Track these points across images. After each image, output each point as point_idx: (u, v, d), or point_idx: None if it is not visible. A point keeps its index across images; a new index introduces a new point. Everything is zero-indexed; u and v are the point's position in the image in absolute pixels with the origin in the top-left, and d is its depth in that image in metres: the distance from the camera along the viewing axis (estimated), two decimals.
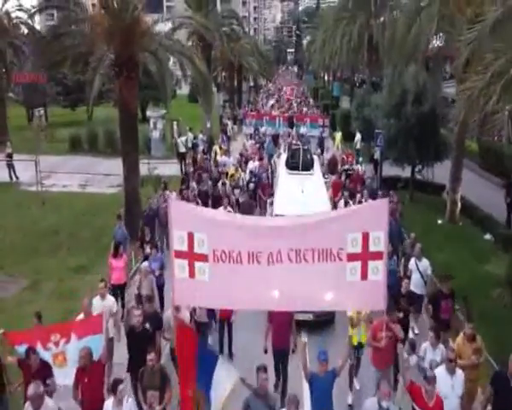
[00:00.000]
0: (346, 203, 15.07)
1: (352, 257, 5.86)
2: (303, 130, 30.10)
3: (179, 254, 6.06)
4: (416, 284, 10.87)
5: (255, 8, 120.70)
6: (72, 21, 14.05)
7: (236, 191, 16.91)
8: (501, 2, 8.63)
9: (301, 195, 11.83)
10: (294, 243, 5.75)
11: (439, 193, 21.60)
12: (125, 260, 11.72)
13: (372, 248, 5.84)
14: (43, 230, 17.35)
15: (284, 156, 15.77)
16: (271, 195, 15.21)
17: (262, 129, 30.36)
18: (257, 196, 18.08)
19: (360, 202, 15.07)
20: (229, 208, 14.39)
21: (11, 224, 17.97)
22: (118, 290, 11.43)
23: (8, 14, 32.53)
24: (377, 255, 5.87)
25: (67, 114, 45.17)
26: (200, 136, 26.69)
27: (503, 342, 10.36)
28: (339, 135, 28.22)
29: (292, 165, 14.07)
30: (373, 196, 15.72)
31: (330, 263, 5.81)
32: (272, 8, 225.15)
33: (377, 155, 22.94)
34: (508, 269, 12.46)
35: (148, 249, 12.08)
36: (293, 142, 24.19)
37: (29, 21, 32.03)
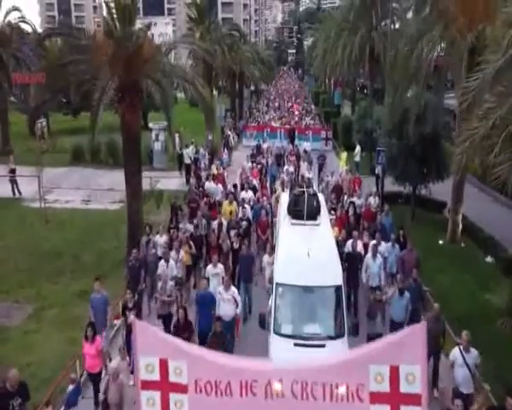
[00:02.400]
0: (354, 244, 13.40)
1: (376, 398, 4.46)
2: (305, 145, 28.73)
3: (148, 385, 4.82)
4: (461, 383, 8.93)
5: (256, 10, 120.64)
6: (76, 49, 14.09)
7: (233, 233, 14.63)
8: (503, 49, 8.71)
9: (307, 258, 9.96)
10: (300, 373, 4.58)
11: (441, 210, 21.67)
12: (99, 344, 9.72)
13: (404, 389, 4.41)
14: (46, 251, 17.43)
15: (286, 196, 13.74)
16: (269, 248, 13.30)
17: (264, 145, 28.64)
18: (251, 235, 15.91)
19: (377, 246, 13.08)
20: (220, 266, 12.32)
21: (15, 244, 18.09)
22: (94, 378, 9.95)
23: (10, 25, 32.62)
24: (412, 399, 4.41)
25: (69, 121, 45.33)
26: (201, 150, 26.67)
27: (507, 375, 10.46)
28: (344, 155, 26.80)
29: (295, 213, 11.95)
30: (385, 237, 14.29)
31: (347, 404, 4.46)
32: (273, 9, 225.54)
33: (378, 170, 23.14)
34: (509, 299, 12.53)
35: (131, 317, 10.30)
36: (302, 172, 22.26)
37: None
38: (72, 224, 20.23)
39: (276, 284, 10.00)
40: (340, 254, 11.97)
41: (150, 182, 23.49)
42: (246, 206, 16.58)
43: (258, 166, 22.54)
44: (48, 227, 19.71)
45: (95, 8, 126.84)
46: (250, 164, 22.99)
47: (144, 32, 13.65)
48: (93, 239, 18.53)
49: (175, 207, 17.36)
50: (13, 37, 32.43)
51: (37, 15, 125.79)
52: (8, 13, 32.94)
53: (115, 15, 13.83)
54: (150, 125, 31.03)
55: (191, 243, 13.94)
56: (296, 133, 33.45)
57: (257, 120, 38.56)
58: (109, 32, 13.90)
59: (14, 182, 23.84)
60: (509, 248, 16.65)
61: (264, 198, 17.43)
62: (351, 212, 16.37)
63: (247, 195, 17.90)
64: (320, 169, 24.61)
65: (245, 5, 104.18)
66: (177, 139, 28.28)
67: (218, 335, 9.84)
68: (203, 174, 22.52)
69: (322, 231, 11.72)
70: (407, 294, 10.95)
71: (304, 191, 12.16)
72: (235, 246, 13.88)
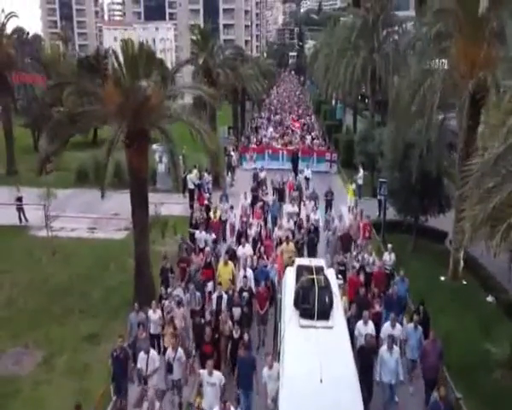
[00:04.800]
0: (368, 338, 11.48)
1: None
2: (307, 172, 27.78)
3: None
4: None
5: (257, 14, 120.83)
6: (85, 101, 14.36)
7: (236, 314, 12.50)
8: (503, 136, 8.97)
9: (320, 386, 8.37)
10: None
11: (442, 239, 21.90)
12: None
13: None
14: (53, 288, 17.73)
15: (292, 273, 12.01)
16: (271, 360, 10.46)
17: (262, 174, 26.42)
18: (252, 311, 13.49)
19: (393, 337, 11.34)
20: (216, 375, 10.25)
21: (23, 280, 18.33)
22: None
23: (15, 46, 32.88)
24: None
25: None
26: (205, 175, 26.88)
27: None
28: (352, 187, 26.00)
29: (303, 310, 10.25)
30: (400, 307, 13.59)
31: None
32: (274, 9, 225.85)
33: (380, 197, 23.39)
34: (510, 350, 12.73)
35: None
36: (307, 213, 20.33)
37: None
38: (79, 256, 20.47)
39: None
40: (351, 332, 10.90)
41: (155, 210, 23.74)
42: (247, 272, 14.30)
43: (260, 205, 20.66)
44: (54, 260, 19.92)
45: (96, 13, 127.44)
46: (249, 201, 21.40)
47: (152, 85, 13.88)
48: (100, 274, 18.80)
49: (165, 270, 15.52)
50: (18, 57, 32.72)
51: (39, 20, 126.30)
52: (12, 33, 33.20)
53: (123, 66, 14.13)
54: (154, 146, 31.21)
55: (176, 324, 12.20)
56: (300, 155, 32.84)
57: (258, 140, 38.34)
58: (118, 82, 14.15)
59: (20, 210, 24.10)
60: (509, 287, 16.83)
61: (269, 260, 15.44)
62: (362, 277, 14.92)
63: (246, 250, 15.80)
64: (327, 207, 23.42)
65: (246, 11, 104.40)
66: (180, 162, 28.43)
67: None
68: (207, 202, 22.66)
69: (337, 338, 9.91)
70: None
71: (313, 281, 10.44)
72: (235, 335, 11.72)
